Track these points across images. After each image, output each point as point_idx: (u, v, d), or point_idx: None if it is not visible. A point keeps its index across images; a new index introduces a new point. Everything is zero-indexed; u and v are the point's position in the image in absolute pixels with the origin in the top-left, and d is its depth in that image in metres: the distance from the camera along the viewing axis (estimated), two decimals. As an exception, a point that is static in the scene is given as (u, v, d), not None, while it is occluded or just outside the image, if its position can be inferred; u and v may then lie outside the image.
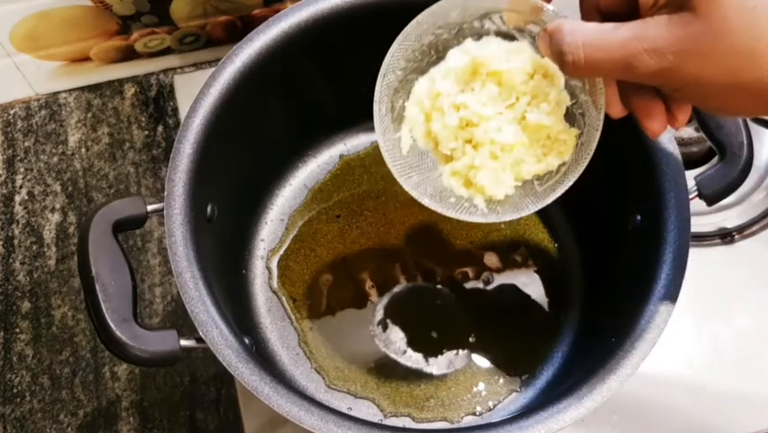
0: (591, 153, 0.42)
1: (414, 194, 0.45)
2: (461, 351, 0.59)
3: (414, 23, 0.42)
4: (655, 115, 0.38)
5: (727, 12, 0.32)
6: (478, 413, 0.57)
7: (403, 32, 0.42)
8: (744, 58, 0.32)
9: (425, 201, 0.45)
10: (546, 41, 0.37)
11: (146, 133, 0.72)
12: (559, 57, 0.36)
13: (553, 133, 0.42)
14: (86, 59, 0.72)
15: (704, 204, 0.51)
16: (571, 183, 0.43)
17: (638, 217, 0.52)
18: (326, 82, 0.60)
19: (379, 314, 0.60)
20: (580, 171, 0.42)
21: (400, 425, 0.56)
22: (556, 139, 0.42)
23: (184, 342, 0.45)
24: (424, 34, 0.43)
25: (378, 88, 0.43)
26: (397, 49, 0.42)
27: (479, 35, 0.42)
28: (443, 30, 0.43)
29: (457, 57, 0.42)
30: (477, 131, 0.42)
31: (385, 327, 0.60)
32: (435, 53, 0.43)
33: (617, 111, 0.40)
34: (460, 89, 0.42)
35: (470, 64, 0.41)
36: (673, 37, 0.33)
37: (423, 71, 0.44)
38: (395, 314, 0.60)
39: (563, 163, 0.43)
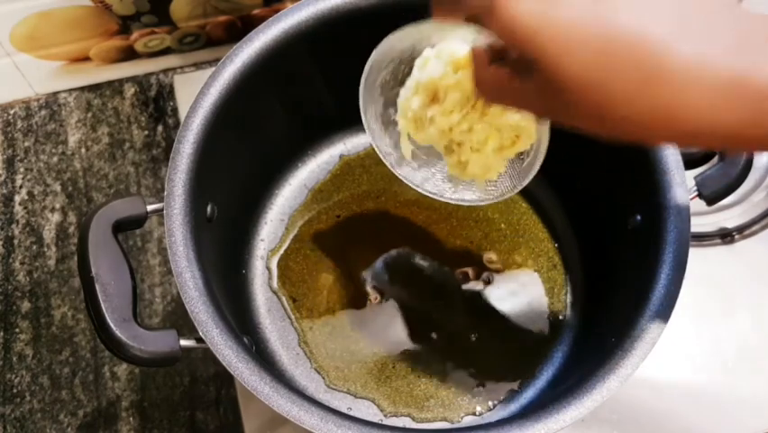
0: (548, 129, 0.45)
1: (433, 196, 0.49)
2: (461, 350, 0.59)
3: (367, 67, 0.45)
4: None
5: (568, 81, 0.31)
6: (478, 413, 0.57)
7: (362, 76, 0.45)
8: (595, 126, 0.32)
9: (441, 198, 0.49)
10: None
11: (146, 133, 0.72)
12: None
13: (514, 122, 0.44)
14: (86, 59, 0.72)
15: (704, 204, 0.51)
16: (542, 156, 0.46)
17: (638, 217, 0.52)
18: (326, 82, 0.60)
19: (376, 299, 0.60)
20: (546, 146, 0.46)
21: (400, 425, 0.56)
22: (518, 125, 0.44)
23: (184, 342, 0.45)
24: (384, 65, 0.45)
25: (364, 121, 0.46)
26: (364, 87, 0.45)
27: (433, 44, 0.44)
28: (401, 53, 0.45)
29: (417, 72, 0.44)
30: (453, 135, 0.44)
31: (385, 323, 0.60)
32: (406, 66, 0.45)
33: None
34: (429, 100, 0.44)
35: (428, 82, 0.43)
36: (535, 100, 0.34)
37: (401, 83, 0.45)
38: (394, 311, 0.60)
39: (533, 142, 0.47)
